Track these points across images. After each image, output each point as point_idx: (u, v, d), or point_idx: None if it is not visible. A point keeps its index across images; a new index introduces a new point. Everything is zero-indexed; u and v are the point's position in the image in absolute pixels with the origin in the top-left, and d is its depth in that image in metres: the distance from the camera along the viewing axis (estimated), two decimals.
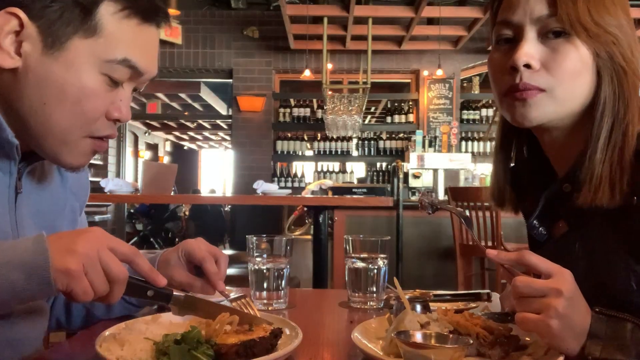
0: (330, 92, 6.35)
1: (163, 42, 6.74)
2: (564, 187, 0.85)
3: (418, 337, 0.68)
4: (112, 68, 0.80)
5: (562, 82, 0.81)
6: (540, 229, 0.92)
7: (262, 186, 3.39)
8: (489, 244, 3.70)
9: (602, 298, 0.75)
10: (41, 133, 0.80)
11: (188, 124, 11.96)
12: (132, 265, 0.76)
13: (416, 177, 6.01)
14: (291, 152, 6.97)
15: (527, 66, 0.81)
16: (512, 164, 0.98)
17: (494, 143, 0.99)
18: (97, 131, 0.83)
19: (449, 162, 5.93)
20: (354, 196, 4.13)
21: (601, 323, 0.69)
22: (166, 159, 13.76)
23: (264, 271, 1.06)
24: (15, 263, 0.66)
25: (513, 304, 0.85)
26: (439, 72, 6.42)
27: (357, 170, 8.28)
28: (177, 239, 8.19)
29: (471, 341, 0.70)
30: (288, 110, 7.06)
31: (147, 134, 12.09)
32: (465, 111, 6.98)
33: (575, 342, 0.68)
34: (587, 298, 0.71)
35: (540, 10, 0.81)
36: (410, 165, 5.95)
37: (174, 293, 0.81)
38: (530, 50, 0.81)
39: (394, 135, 7.12)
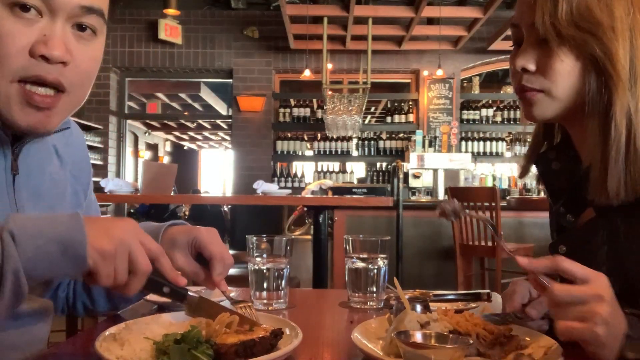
0: (330, 92, 6.35)
1: (163, 42, 6.74)
2: (590, 175, 0.85)
3: (418, 337, 0.68)
4: None
5: (556, 83, 0.85)
6: (568, 215, 0.92)
7: (262, 186, 3.39)
8: (489, 244, 3.70)
9: (621, 285, 0.75)
10: None
11: (188, 124, 11.96)
12: (156, 263, 0.76)
13: (416, 177, 6.02)
14: (291, 152, 6.97)
15: (525, 69, 0.86)
16: (542, 150, 1.01)
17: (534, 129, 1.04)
18: (22, 70, 0.75)
19: (449, 162, 5.93)
20: (354, 196, 4.12)
21: (635, 324, 0.69)
22: (166, 159, 13.75)
23: (264, 271, 1.06)
24: (53, 237, 0.67)
25: (516, 306, 0.85)
26: (439, 72, 6.43)
27: (357, 170, 8.28)
28: None
29: (471, 341, 0.70)
30: (288, 110, 7.06)
31: (147, 134, 12.09)
32: (465, 111, 6.99)
33: (617, 347, 0.68)
34: None
35: (527, 17, 0.85)
36: (410, 165, 5.95)
37: (189, 293, 0.81)
38: (525, 55, 0.86)
39: (394, 135, 7.12)
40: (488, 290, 1.09)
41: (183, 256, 0.91)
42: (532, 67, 0.86)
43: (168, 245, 0.91)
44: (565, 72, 0.83)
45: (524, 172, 1.03)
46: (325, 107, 6.39)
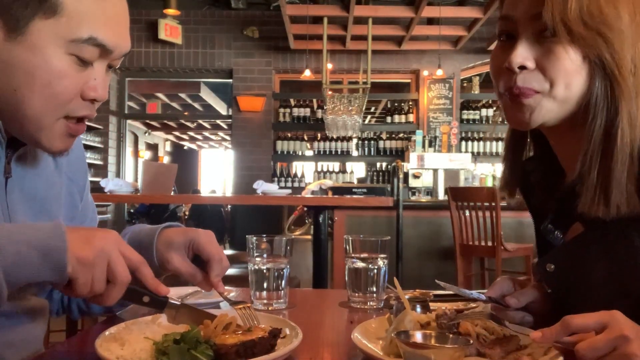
0: (330, 92, 6.35)
1: (163, 42, 6.74)
2: (577, 187, 0.80)
3: (418, 337, 0.68)
4: (78, 48, 0.77)
5: (557, 84, 0.78)
6: (556, 232, 0.88)
7: (262, 186, 3.39)
8: (489, 244, 3.70)
9: (624, 300, 0.73)
10: (16, 119, 0.79)
11: (188, 124, 11.96)
12: (137, 274, 0.77)
13: (416, 177, 6.01)
14: (291, 152, 6.97)
15: (523, 67, 0.79)
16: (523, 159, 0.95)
17: (505, 137, 0.97)
18: (72, 112, 0.81)
19: (449, 162, 5.93)
20: (354, 196, 4.13)
21: None
22: (166, 159, 13.76)
23: (264, 271, 1.06)
24: (34, 243, 0.68)
25: (494, 293, 0.85)
26: (439, 72, 6.42)
27: (357, 170, 8.29)
28: None
29: (471, 341, 0.70)
30: (288, 110, 7.06)
31: (147, 134, 12.09)
32: (465, 111, 6.99)
33: None
34: (609, 301, 0.69)
35: (531, 8, 0.78)
36: (410, 165, 5.95)
37: (170, 301, 0.80)
38: (524, 51, 0.79)
39: (394, 135, 7.12)
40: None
41: (179, 257, 0.91)
42: (531, 64, 0.78)
43: (164, 246, 0.92)
44: (570, 72, 0.77)
45: (507, 187, 0.97)
46: (325, 107, 6.39)
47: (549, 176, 0.91)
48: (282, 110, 7.06)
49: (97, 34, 0.78)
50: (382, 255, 1.09)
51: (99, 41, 0.78)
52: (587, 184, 0.78)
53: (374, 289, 1.09)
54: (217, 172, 14.91)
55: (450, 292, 1.09)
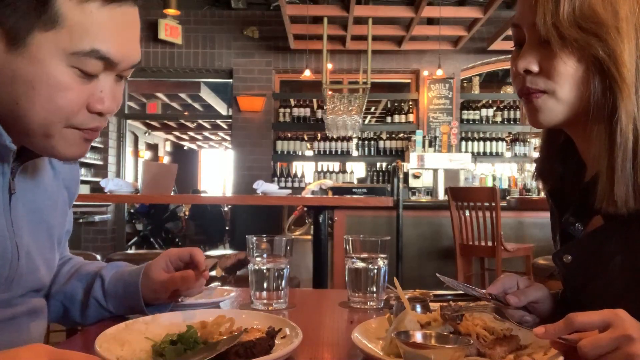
0: (330, 92, 6.35)
1: (163, 42, 6.75)
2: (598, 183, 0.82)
3: (418, 337, 0.68)
4: (80, 61, 0.74)
5: (560, 85, 0.81)
6: (577, 224, 0.89)
7: (262, 186, 3.38)
8: (489, 244, 3.70)
9: (637, 294, 0.74)
10: (23, 131, 0.77)
11: (188, 124, 11.96)
12: None
13: (416, 177, 6.02)
14: (291, 152, 6.97)
15: (528, 71, 0.83)
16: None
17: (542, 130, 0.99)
18: (80, 124, 0.79)
19: (449, 162, 5.93)
20: (354, 196, 4.13)
21: None
22: (166, 159, 13.76)
23: (264, 271, 1.06)
24: None
25: (496, 289, 0.87)
26: (439, 72, 6.42)
27: (357, 170, 8.28)
28: (177, 239, 8.20)
29: (471, 341, 0.70)
30: (288, 110, 7.05)
31: (147, 134, 12.09)
32: (465, 111, 6.99)
33: None
34: (624, 294, 0.69)
35: (531, 16, 0.81)
36: (410, 165, 5.96)
37: None
38: (528, 56, 0.83)
39: (394, 135, 7.12)
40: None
41: (160, 271, 0.98)
42: (535, 68, 0.82)
43: (146, 276, 0.99)
44: (569, 74, 0.80)
45: (540, 177, 0.99)
46: (325, 107, 6.39)
47: (573, 169, 0.93)
48: (282, 110, 7.05)
49: (100, 47, 0.75)
50: (382, 255, 1.09)
51: (102, 54, 0.75)
52: (599, 180, 0.79)
53: (374, 289, 1.08)
54: (217, 172, 14.91)
55: (451, 293, 1.10)
